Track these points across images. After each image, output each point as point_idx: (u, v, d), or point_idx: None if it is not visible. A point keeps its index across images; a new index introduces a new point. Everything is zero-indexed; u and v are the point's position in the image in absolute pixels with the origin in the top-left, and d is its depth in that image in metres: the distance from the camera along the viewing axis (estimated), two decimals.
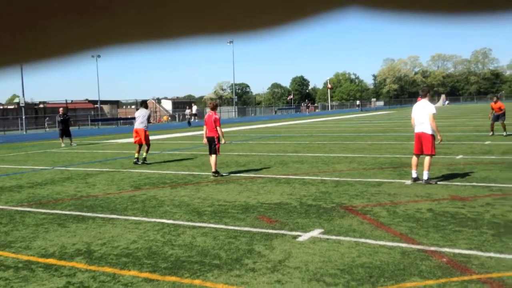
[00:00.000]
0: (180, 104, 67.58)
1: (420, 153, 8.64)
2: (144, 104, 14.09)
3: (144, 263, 4.76)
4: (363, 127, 27.81)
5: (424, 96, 8.90)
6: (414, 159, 8.74)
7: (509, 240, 5.09)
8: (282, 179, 9.61)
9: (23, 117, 37.65)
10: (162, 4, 0.34)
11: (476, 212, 6.39)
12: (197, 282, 4.22)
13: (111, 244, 5.49)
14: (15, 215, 7.25)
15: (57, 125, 22.41)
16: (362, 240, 5.27)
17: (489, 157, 11.82)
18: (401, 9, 0.34)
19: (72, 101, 57.02)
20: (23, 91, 36.48)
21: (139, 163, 12.77)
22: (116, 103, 69.21)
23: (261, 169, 11.18)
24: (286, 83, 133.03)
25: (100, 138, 26.10)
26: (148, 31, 0.35)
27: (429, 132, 8.53)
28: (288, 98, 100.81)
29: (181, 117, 54.80)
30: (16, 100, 47.07)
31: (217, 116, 10.37)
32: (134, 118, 14.34)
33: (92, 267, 4.71)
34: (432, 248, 4.90)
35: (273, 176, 10.06)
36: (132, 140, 14.73)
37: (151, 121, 17.24)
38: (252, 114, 70.60)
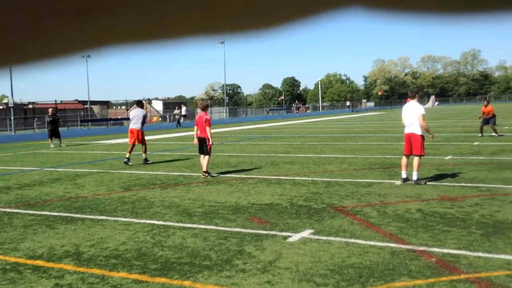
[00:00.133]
0: (170, 105, 67.25)
1: (410, 154, 8.70)
2: (139, 103, 13.90)
3: (133, 265, 4.73)
4: (354, 128, 27.94)
5: (413, 97, 8.97)
6: (404, 160, 8.79)
7: (497, 240, 5.14)
8: (273, 180, 9.61)
9: (12, 117, 37.25)
10: (159, 4, 0.33)
11: (465, 212, 6.44)
12: (187, 283, 4.20)
13: (100, 245, 5.45)
14: (3, 216, 7.17)
15: (46, 125, 22.16)
16: (352, 240, 5.29)
17: (477, 158, 11.93)
18: (401, 9, 0.33)
19: (61, 101, 56.52)
20: (12, 92, 36.08)
21: (130, 163, 12.66)
22: (106, 104, 68.75)
23: (252, 169, 11.18)
24: (277, 83, 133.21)
25: (90, 139, 25.92)
26: (144, 31, 0.35)
27: (419, 133, 8.60)
28: (279, 99, 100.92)
29: (171, 117, 54.64)
30: (5, 101, 46.51)
31: (208, 117, 10.36)
32: (124, 119, 14.27)
33: (81, 269, 4.67)
34: (421, 248, 4.93)
35: (264, 176, 10.06)
36: (124, 140, 14.63)
37: (146, 121, 17.06)
38: (243, 115, 70.55)
